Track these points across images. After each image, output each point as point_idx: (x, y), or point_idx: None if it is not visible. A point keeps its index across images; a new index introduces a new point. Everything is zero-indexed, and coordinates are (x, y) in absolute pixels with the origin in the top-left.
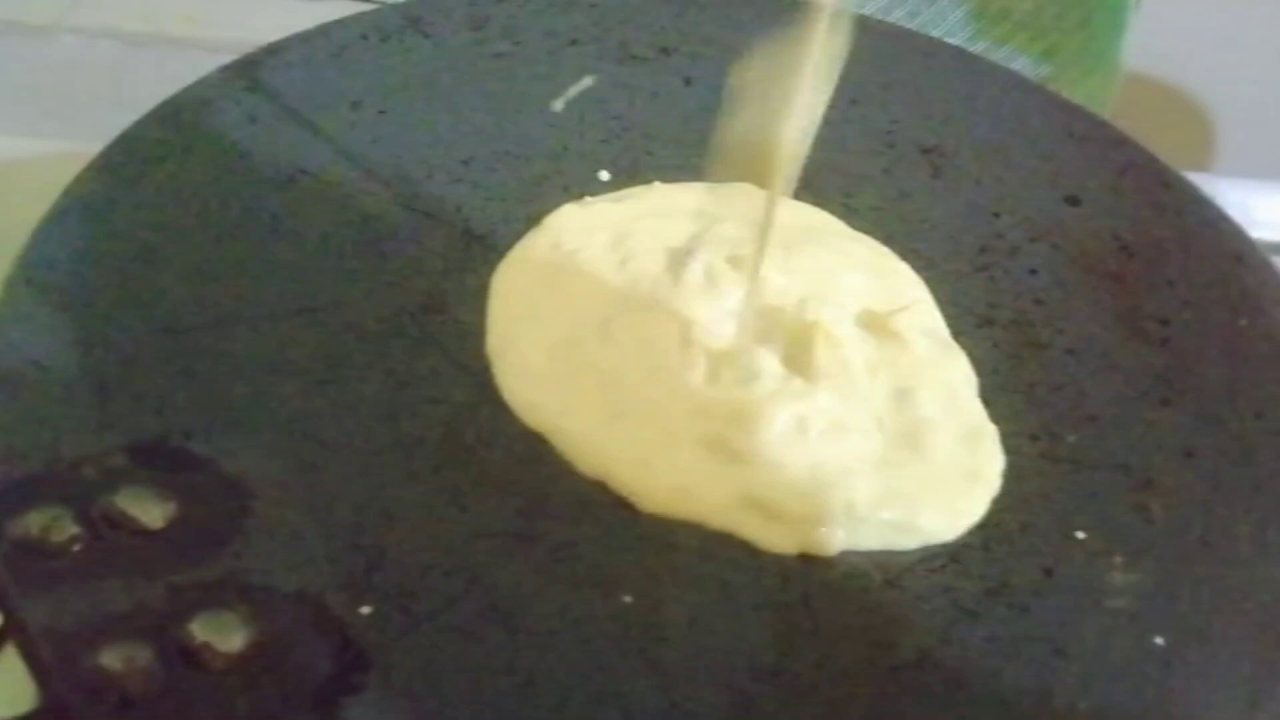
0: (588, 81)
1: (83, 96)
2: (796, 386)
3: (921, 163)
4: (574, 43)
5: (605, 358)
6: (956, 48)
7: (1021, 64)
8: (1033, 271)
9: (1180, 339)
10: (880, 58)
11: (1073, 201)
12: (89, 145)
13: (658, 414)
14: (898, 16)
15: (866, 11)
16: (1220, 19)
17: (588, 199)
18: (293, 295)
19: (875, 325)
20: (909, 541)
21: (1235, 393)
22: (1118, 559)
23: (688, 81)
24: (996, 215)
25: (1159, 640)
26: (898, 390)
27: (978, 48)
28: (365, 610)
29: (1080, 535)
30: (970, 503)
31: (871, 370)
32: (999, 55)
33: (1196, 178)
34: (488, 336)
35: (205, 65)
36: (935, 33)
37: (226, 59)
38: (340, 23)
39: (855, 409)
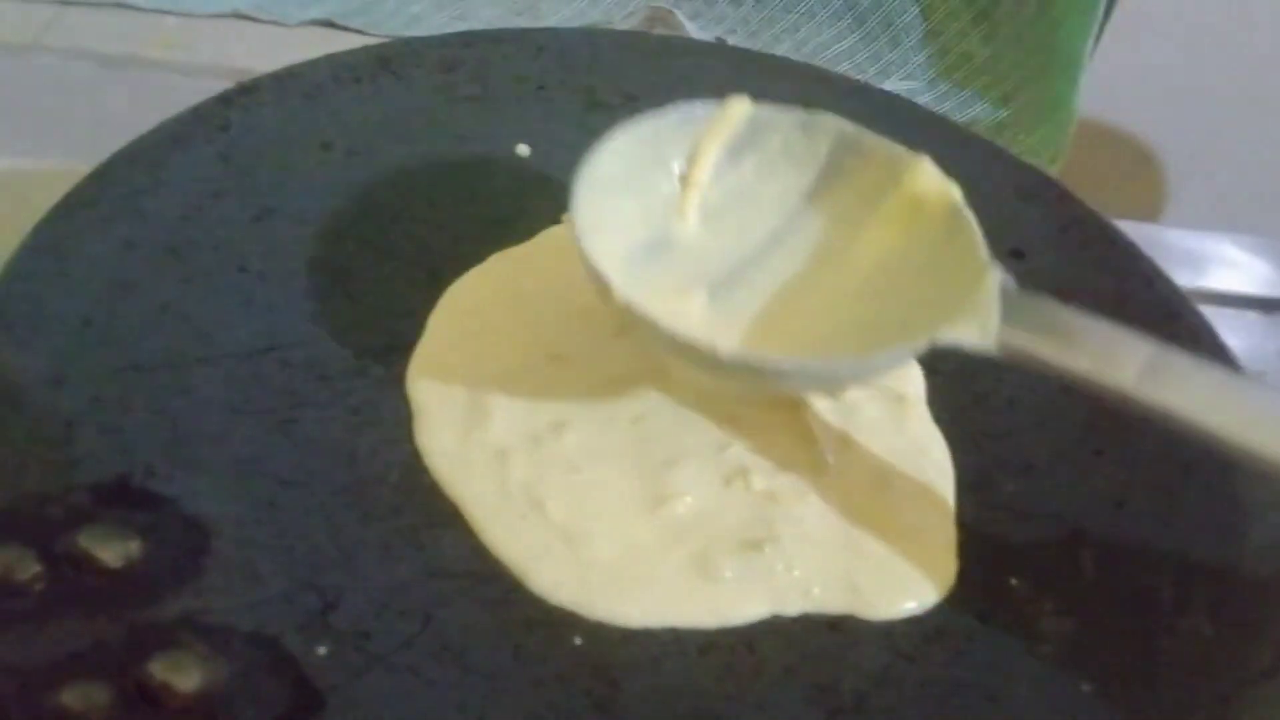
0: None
1: (58, 116)
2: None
3: None
4: (542, 88)
5: (504, 428)
6: (912, 103)
7: (980, 108)
8: None
9: None
10: (840, 110)
11: (1017, 255)
12: (63, 164)
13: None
14: (862, 59)
15: (833, 51)
16: (1173, 68)
17: (538, 238)
18: (258, 334)
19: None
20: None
21: (1165, 446)
22: (1048, 607)
23: None
24: None
25: (1086, 687)
26: (868, 468)
27: (939, 90)
28: (321, 650)
29: (1014, 582)
30: (920, 591)
31: (843, 444)
32: (959, 98)
33: (1146, 227)
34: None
35: (181, 88)
36: (899, 75)
37: (202, 82)
38: (312, 63)
39: (820, 484)
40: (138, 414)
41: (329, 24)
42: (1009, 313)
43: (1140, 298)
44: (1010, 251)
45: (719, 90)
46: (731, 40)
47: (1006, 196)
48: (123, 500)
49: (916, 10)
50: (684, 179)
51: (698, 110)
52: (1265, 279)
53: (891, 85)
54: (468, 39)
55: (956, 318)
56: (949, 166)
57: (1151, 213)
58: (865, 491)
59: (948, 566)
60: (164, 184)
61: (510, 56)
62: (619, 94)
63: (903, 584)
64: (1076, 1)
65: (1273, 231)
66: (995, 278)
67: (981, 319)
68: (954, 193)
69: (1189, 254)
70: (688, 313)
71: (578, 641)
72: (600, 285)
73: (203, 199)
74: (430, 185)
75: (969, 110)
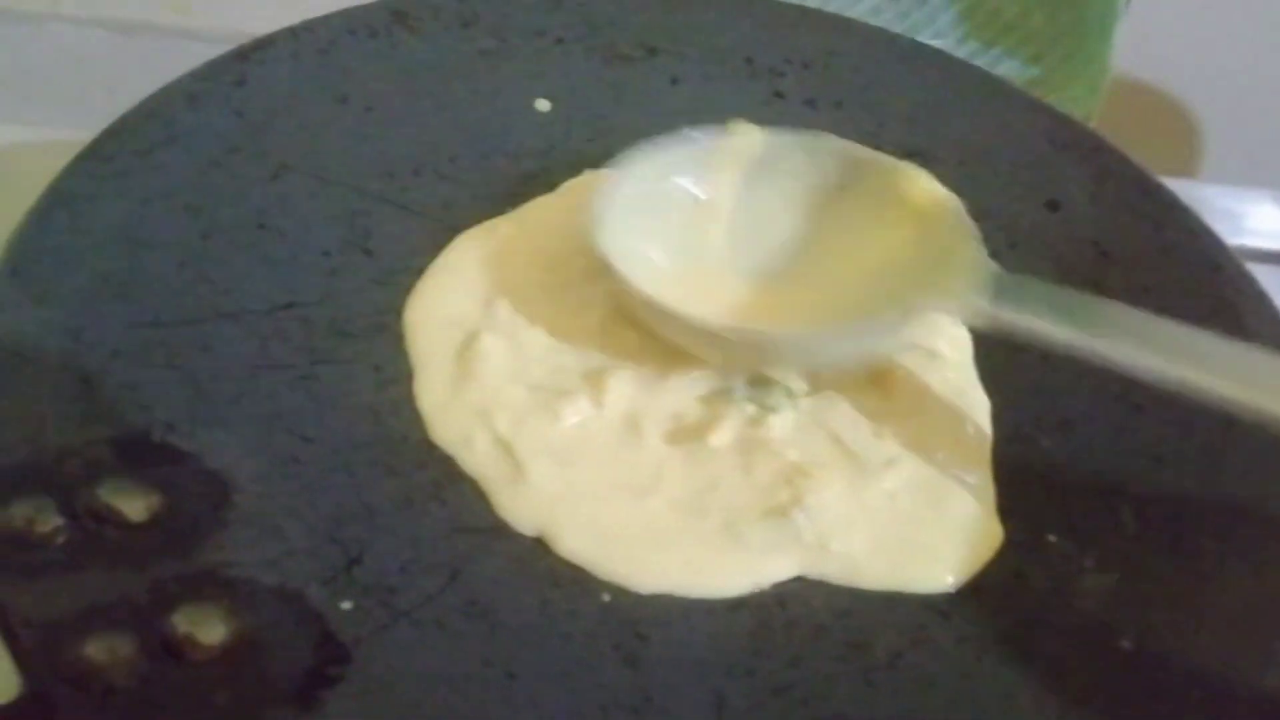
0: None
1: (73, 84)
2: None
3: None
4: (561, 41)
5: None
6: (941, 52)
7: (1010, 66)
8: None
9: None
10: (866, 61)
11: (1053, 207)
12: (78, 133)
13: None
14: (889, 17)
15: (857, 11)
16: (1209, 23)
17: (564, 187)
18: (278, 290)
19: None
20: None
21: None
22: (1087, 563)
23: (674, 81)
24: (978, 219)
25: (1125, 644)
26: (904, 441)
27: (968, 49)
28: (346, 605)
29: (1052, 538)
30: (960, 563)
31: (875, 417)
32: (988, 57)
33: (1183, 183)
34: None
35: (196, 54)
36: (926, 33)
37: (217, 48)
38: (328, 18)
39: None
40: (157, 370)
41: None
42: (999, 290)
43: (1182, 249)
44: (1046, 202)
45: (741, 42)
46: None
47: (1042, 147)
48: (144, 455)
49: None
50: (705, 203)
51: (705, 139)
52: None
53: None
54: None
55: (942, 293)
56: (984, 116)
57: (1187, 169)
58: (900, 453)
59: (991, 533)
60: (179, 140)
61: (529, 9)
62: (640, 47)
63: (941, 555)
64: None
65: None
66: (980, 259)
67: (963, 295)
68: (952, 200)
69: (1226, 211)
70: (717, 301)
71: (606, 598)
72: (619, 282)
73: (219, 155)
74: (449, 140)
75: (998, 68)
